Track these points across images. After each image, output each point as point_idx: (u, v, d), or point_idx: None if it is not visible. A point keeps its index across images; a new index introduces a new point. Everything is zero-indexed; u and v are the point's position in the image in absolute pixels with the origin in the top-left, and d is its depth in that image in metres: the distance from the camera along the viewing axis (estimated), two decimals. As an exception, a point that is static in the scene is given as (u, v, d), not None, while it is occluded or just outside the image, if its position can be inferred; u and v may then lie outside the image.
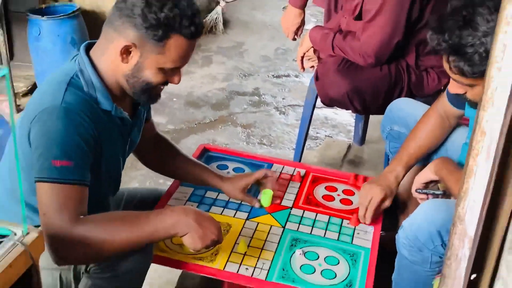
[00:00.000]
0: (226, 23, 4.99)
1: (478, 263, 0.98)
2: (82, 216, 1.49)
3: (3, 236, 1.25)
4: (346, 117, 3.66)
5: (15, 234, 1.25)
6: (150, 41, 1.53)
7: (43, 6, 3.76)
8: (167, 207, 1.88)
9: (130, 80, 1.60)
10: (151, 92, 1.66)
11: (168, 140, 2.11)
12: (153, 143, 2.02)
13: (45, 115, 1.50)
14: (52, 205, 1.47)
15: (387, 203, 1.94)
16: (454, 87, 1.65)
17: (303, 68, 2.65)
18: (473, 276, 1.00)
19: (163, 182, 2.16)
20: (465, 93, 1.63)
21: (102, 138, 1.60)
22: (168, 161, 2.07)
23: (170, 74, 1.63)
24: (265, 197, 2.08)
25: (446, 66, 1.60)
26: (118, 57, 1.56)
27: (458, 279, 1.27)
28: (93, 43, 1.67)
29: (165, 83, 1.65)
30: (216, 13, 4.93)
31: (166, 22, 1.51)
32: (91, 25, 3.71)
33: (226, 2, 5.24)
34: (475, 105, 1.67)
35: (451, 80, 1.65)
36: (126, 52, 1.55)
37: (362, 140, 3.19)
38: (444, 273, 1.42)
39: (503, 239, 0.93)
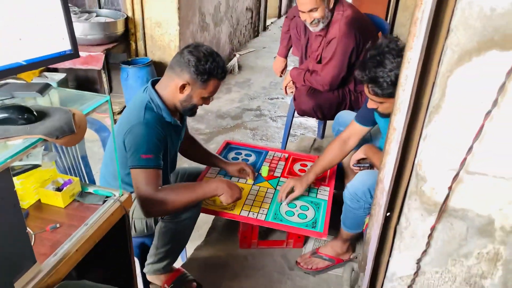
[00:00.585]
0: (240, 67, 4.95)
1: (391, 206, 0.96)
2: (160, 187, 1.52)
3: (108, 197, 1.25)
4: (312, 123, 3.62)
5: (115, 195, 1.25)
6: (198, 82, 1.54)
7: (130, 59, 3.74)
8: (210, 179, 1.83)
9: (183, 104, 1.60)
10: (194, 110, 1.66)
11: (195, 138, 2.07)
12: (187, 140, 1.99)
13: (134, 128, 1.51)
14: (142, 181, 1.50)
15: (295, 193, 1.89)
16: (371, 104, 1.62)
17: (286, 93, 2.62)
18: (388, 213, 0.98)
19: (198, 165, 2.14)
20: (377, 108, 1.61)
21: (167, 137, 1.61)
22: (194, 151, 2.06)
23: (206, 99, 1.63)
24: (264, 170, 2.07)
25: (366, 90, 1.58)
26: (177, 90, 1.56)
27: (378, 216, 1.26)
28: (156, 80, 1.66)
29: (202, 104, 1.64)
30: (234, 61, 4.90)
31: (209, 71, 1.52)
32: (157, 70, 3.69)
33: (240, 54, 5.21)
34: (383, 115, 1.66)
35: (369, 100, 1.62)
36: (182, 87, 1.55)
37: (322, 136, 3.16)
38: (372, 213, 1.41)
39: (406, 190, 0.92)
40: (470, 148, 0.79)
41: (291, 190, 1.90)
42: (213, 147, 3.17)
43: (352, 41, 2.11)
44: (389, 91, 1.46)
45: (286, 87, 2.59)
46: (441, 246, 0.93)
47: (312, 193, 1.99)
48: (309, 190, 2.00)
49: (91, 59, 3.32)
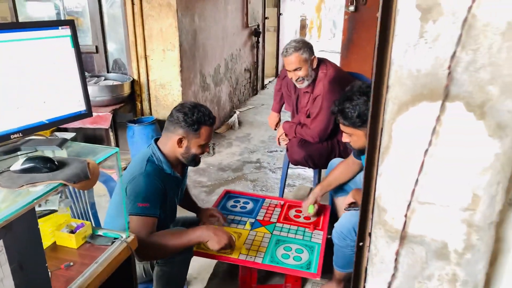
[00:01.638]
0: (240, 123, 5.21)
1: (363, 236, 1.11)
2: (151, 233, 1.66)
3: (116, 238, 1.40)
4: (310, 173, 3.78)
5: (122, 237, 1.41)
6: (191, 133, 1.74)
7: (135, 118, 3.99)
8: (197, 227, 1.87)
9: (184, 155, 1.80)
10: (196, 160, 1.84)
11: (188, 191, 2.23)
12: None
13: (135, 178, 1.69)
14: (136, 227, 1.62)
15: (305, 202, 2.20)
16: (344, 137, 1.85)
17: (279, 144, 2.82)
18: (361, 243, 1.12)
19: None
20: (350, 142, 1.82)
21: (167, 189, 1.77)
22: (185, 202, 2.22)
23: (204, 147, 1.82)
24: (310, 208, 2.23)
25: (341, 126, 1.80)
26: (175, 145, 1.77)
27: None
28: (158, 138, 1.87)
29: (202, 152, 1.83)
30: (234, 117, 5.15)
31: (197, 120, 1.73)
32: (162, 127, 3.90)
33: (240, 111, 5.49)
34: (356, 152, 1.87)
35: (343, 133, 1.84)
36: (179, 141, 1.76)
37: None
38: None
39: (372, 220, 1.07)
40: (417, 181, 0.95)
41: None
42: (214, 198, 3.31)
43: (336, 97, 2.34)
44: (353, 121, 1.69)
45: (279, 139, 2.79)
46: (407, 270, 1.06)
47: (307, 237, 2.12)
48: (304, 234, 2.14)
49: (100, 119, 3.56)
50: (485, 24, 0.82)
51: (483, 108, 0.87)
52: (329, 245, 2.07)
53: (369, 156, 1.03)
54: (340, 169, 2.16)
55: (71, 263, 1.28)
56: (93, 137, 4.24)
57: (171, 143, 1.78)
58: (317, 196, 2.16)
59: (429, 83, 0.89)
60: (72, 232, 1.36)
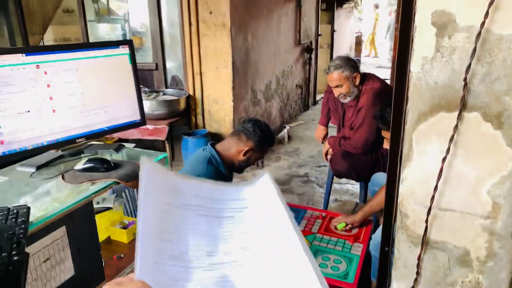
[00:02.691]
0: (289, 137, 5.30)
1: (387, 241, 1.16)
2: None
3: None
4: (358, 189, 3.77)
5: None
6: (258, 148, 1.92)
7: (190, 131, 4.21)
8: None
9: (241, 163, 1.96)
10: (245, 169, 2.01)
11: None
12: None
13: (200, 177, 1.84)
14: None
15: (343, 218, 2.23)
16: (385, 143, 1.90)
17: (326, 159, 2.87)
18: (386, 248, 1.17)
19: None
20: None
21: None
22: None
23: (257, 161, 2.10)
24: (340, 225, 2.27)
25: (383, 133, 1.86)
26: (240, 153, 1.93)
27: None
28: (214, 143, 2.02)
29: (252, 164, 2.03)
30: (284, 132, 5.25)
31: (268, 141, 1.92)
32: (214, 140, 4.08)
33: (290, 126, 5.58)
34: None
35: (385, 139, 1.88)
36: (246, 152, 1.92)
37: (364, 199, 3.30)
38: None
39: (394, 225, 1.11)
40: (436, 187, 1.00)
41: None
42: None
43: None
44: None
45: (326, 154, 2.84)
46: (429, 275, 1.10)
47: (346, 248, 2.15)
48: (343, 245, 2.16)
49: (157, 131, 3.81)
50: (499, 38, 0.87)
51: (500, 118, 0.91)
52: (368, 258, 2.08)
53: (391, 163, 1.08)
54: (383, 194, 2.16)
55: (122, 255, 1.42)
56: (151, 148, 4.43)
57: (237, 150, 1.94)
58: (355, 222, 2.19)
59: (446, 94, 0.94)
60: (124, 228, 1.52)
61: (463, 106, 0.92)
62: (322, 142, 3.11)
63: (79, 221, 1.13)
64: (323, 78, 7.48)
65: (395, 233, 1.12)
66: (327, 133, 3.08)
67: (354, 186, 3.85)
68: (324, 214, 2.50)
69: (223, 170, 1.94)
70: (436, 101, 0.95)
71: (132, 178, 1.28)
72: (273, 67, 5.14)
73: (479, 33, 0.87)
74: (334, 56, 7.24)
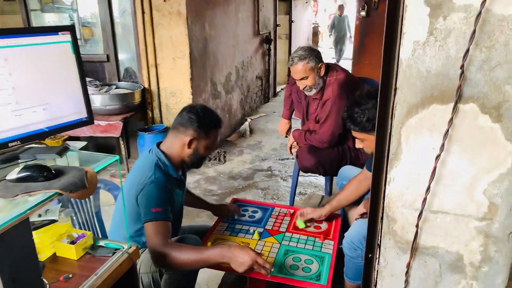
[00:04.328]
0: (251, 130, 5.17)
1: (371, 247, 1.04)
2: (168, 240, 1.57)
3: (117, 249, 1.36)
4: (323, 181, 3.71)
5: (123, 248, 1.36)
6: (202, 135, 1.73)
7: (146, 126, 3.98)
8: (219, 246, 1.74)
9: (191, 157, 1.79)
10: (201, 162, 1.84)
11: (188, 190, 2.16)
12: None
13: (146, 187, 1.66)
14: (151, 233, 1.57)
15: (312, 214, 2.09)
16: (357, 143, 1.79)
17: (291, 153, 2.76)
18: (369, 255, 1.06)
19: (204, 222, 2.25)
20: (363, 147, 1.76)
21: (172, 191, 1.74)
22: (188, 198, 2.14)
23: (210, 149, 1.82)
24: (300, 223, 2.16)
25: (353, 133, 1.76)
26: (184, 146, 1.75)
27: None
28: (160, 142, 1.85)
29: (207, 155, 1.84)
30: (245, 125, 5.11)
31: (209, 123, 1.72)
32: (172, 135, 3.88)
33: (251, 119, 5.45)
34: (370, 157, 1.80)
35: (356, 139, 1.79)
36: (190, 143, 1.74)
37: (330, 192, 3.24)
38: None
39: (381, 231, 1.00)
40: (428, 189, 0.89)
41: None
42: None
43: (345, 102, 2.28)
44: (363, 126, 1.64)
45: (290, 147, 2.73)
46: (419, 284, 1.00)
47: (317, 247, 2.05)
48: (314, 244, 2.06)
49: (110, 128, 3.56)
50: (501, 19, 0.76)
51: (499, 110, 0.81)
52: (339, 255, 1.99)
53: (377, 163, 0.97)
54: (350, 188, 2.06)
55: (70, 275, 1.23)
56: (104, 146, 4.24)
57: (180, 144, 1.76)
58: (322, 216, 2.09)
59: (440, 84, 0.83)
60: (73, 242, 1.32)
61: (459, 97, 0.82)
62: (286, 136, 3.00)
63: (13, 243, 0.94)
64: (283, 69, 7.42)
65: (381, 239, 1.01)
66: (290, 127, 2.97)
67: (317, 179, 3.79)
68: (292, 211, 2.38)
69: (173, 174, 1.77)
70: (429, 91, 0.84)
71: (78, 187, 1.09)
72: (233, 58, 4.97)
73: (479, 14, 0.76)
74: (293, 47, 7.16)
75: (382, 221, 0.99)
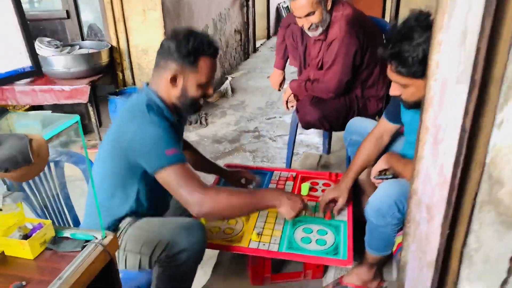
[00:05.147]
0: (233, 89, 4.78)
1: (453, 221, 0.73)
2: (208, 185, 1.32)
3: (88, 241, 1.01)
4: (315, 140, 3.40)
5: (96, 238, 1.01)
6: (187, 67, 1.32)
7: (117, 90, 3.54)
8: (268, 189, 1.60)
9: (181, 100, 1.39)
10: (196, 106, 1.45)
11: (195, 147, 1.88)
12: (188, 149, 1.83)
13: (142, 131, 1.30)
14: (181, 180, 1.28)
15: (340, 202, 1.70)
16: (393, 89, 1.42)
17: (287, 108, 2.41)
18: (448, 231, 0.75)
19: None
20: (401, 95, 1.41)
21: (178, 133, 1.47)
22: (196, 160, 1.82)
23: (206, 87, 1.41)
24: (304, 188, 1.88)
25: (388, 71, 1.39)
26: (168, 85, 1.35)
27: (415, 236, 1.03)
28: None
29: (203, 96, 1.42)
30: (226, 84, 4.72)
31: (194, 49, 1.29)
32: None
33: (232, 77, 5.04)
34: (408, 105, 1.45)
35: (392, 83, 1.42)
36: (173, 80, 1.34)
37: (328, 151, 2.94)
38: (406, 232, 1.18)
39: (474, 200, 0.68)
40: None
41: (332, 203, 1.72)
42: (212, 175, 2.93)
43: (355, 41, 1.92)
44: (415, 69, 1.27)
45: (287, 101, 2.38)
46: (527, 271, 0.69)
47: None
48: (325, 211, 1.76)
49: (76, 93, 3.11)
50: None
51: None
52: (355, 221, 1.70)
53: (479, 96, 0.63)
54: (366, 150, 1.71)
55: (24, 283, 0.88)
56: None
57: (164, 83, 1.37)
58: (349, 187, 1.72)
59: None
60: (26, 237, 0.96)
61: None
62: (279, 90, 2.64)
63: None
64: (262, 23, 6.93)
65: (473, 212, 0.69)
66: (284, 78, 2.60)
67: (308, 136, 3.48)
68: (294, 173, 2.07)
69: (169, 117, 1.39)
70: None
71: (19, 163, 0.72)
72: (208, 9, 4.49)
73: None
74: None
75: (479, 185, 0.66)
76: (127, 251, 1.38)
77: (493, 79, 0.63)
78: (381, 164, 1.60)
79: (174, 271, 1.30)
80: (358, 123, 1.93)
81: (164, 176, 1.28)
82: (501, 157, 0.63)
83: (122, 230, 1.40)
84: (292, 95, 2.29)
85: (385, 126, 1.69)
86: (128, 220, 1.42)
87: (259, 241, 1.58)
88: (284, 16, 5.87)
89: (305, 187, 1.88)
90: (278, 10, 7.57)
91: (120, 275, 1.10)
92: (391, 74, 1.37)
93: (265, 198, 1.40)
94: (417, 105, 1.40)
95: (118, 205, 1.40)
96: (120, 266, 1.38)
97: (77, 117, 0.92)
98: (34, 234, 0.97)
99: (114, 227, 1.41)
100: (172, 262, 1.29)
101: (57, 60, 3.09)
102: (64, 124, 0.86)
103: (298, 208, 1.43)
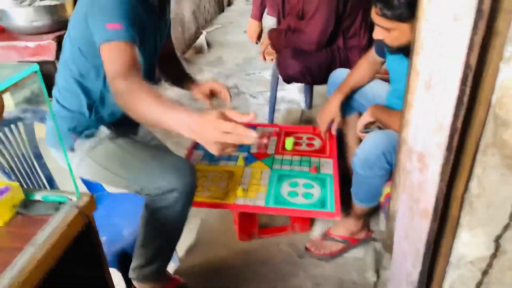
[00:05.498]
0: (209, 44, 4.61)
1: (455, 167, 0.69)
2: (135, 73, 1.08)
3: (62, 202, 0.94)
4: (295, 95, 3.33)
5: (71, 200, 0.95)
6: None
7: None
8: (188, 111, 0.98)
9: None
10: None
11: (176, 54, 1.62)
12: (165, 54, 1.54)
13: None
14: (110, 60, 1.10)
15: (336, 121, 1.75)
16: (377, 33, 1.37)
17: (265, 59, 2.31)
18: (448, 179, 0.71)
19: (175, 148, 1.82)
20: (385, 39, 1.36)
21: (141, 15, 1.20)
22: (170, 67, 1.59)
23: None
24: (289, 142, 1.82)
25: (373, 14, 1.34)
26: None
27: (405, 185, 1.01)
28: None
29: None
30: (202, 39, 4.55)
31: None
32: None
33: (207, 32, 4.85)
34: (392, 50, 1.41)
35: (375, 27, 1.37)
36: None
37: (310, 105, 2.89)
38: (395, 182, 1.16)
39: (478, 142, 0.64)
40: None
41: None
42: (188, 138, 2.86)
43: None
44: (400, 12, 1.23)
45: (264, 53, 2.28)
46: (530, 216, 0.67)
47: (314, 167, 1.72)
48: (310, 164, 1.74)
49: (42, 49, 2.91)
50: None
51: None
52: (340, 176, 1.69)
53: (488, 28, 0.57)
54: (363, 67, 1.70)
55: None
56: (39, 74, 3.59)
57: None
58: (338, 104, 1.72)
59: None
60: (-9, 201, 0.89)
61: None
62: (257, 43, 2.53)
63: None
64: (236, -26, 6.60)
65: (476, 155, 0.65)
66: (261, 30, 2.49)
67: (288, 92, 3.41)
68: (277, 129, 2.02)
69: None
70: None
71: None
72: (180, -42, 4.23)
73: None
74: None
75: (483, 127, 0.62)
76: (101, 166, 1.29)
77: (502, 9, 0.57)
78: (366, 117, 1.56)
79: (163, 214, 1.23)
80: (341, 74, 1.86)
81: (102, 53, 1.12)
82: (509, 96, 0.58)
83: (98, 140, 1.31)
84: (270, 46, 2.19)
85: (374, 57, 1.67)
86: (105, 131, 1.32)
87: (245, 197, 1.54)
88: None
89: (289, 142, 1.83)
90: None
91: (102, 238, 1.04)
92: (375, 16, 1.32)
93: (174, 127, 0.98)
94: (401, 50, 1.37)
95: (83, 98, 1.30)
96: (79, 173, 1.32)
97: (36, 66, 0.82)
98: (0, 198, 0.89)
99: (84, 129, 1.33)
100: (161, 201, 1.20)
101: (17, 13, 2.87)
102: (20, 74, 0.76)
103: (217, 147, 0.93)
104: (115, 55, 1.09)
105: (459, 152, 0.67)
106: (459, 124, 0.65)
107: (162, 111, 0.99)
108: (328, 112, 1.73)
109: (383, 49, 1.56)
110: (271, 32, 2.16)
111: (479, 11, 0.59)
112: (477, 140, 0.63)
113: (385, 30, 1.31)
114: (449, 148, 0.69)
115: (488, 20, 0.58)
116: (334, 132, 1.76)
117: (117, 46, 1.09)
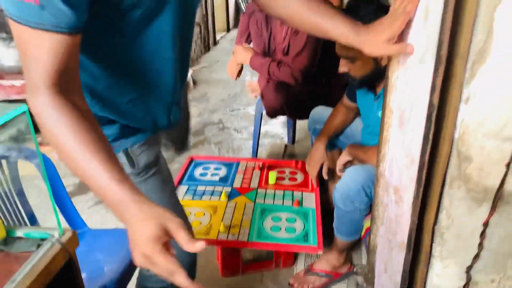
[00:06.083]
0: (195, 82, 4.70)
1: (424, 198, 0.72)
2: (58, 87, 0.72)
3: (45, 239, 0.94)
4: (279, 130, 3.40)
5: (53, 236, 0.95)
6: None
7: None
8: (133, 193, 0.69)
9: None
10: None
11: None
12: None
13: None
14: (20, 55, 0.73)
15: (325, 165, 1.78)
16: (342, 66, 1.45)
17: (236, 78, 2.31)
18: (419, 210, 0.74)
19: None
20: (349, 71, 1.43)
21: None
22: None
23: None
24: (272, 176, 1.88)
25: (337, 47, 1.40)
26: None
27: (383, 219, 1.03)
28: None
29: None
30: (188, 77, 4.63)
31: None
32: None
33: (193, 70, 4.96)
34: (357, 83, 1.47)
35: (340, 61, 1.45)
36: None
37: (293, 141, 2.93)
38: (374, 215, 1.18)
39: (444, 176, 0.68)
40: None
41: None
42: (177, 167, 2.86)
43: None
44: None
45: (249, 88, 2.33)
46: (497, 246, 0.70)
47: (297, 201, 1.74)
48: (293, 199, 1.76)
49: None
50: None
51: None
52: (322, 209, 1.71)
53: (445, 71, 0.62)
54: (341, 113, 1.77)
55: (-28, 289, 0.81)
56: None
57: None
58: (324, 149, 1.77)
59: None
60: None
61: None
62: (236, 79, 2.52)
63: None
64: (221, 15, 6.83)
65: (444, 189, 0.68)
66: (242, 68, 2.53)
67: (272, 126, 3.47)
68: (260, 163, 2.05)
69: None
70: None
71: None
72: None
73: None
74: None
75: (448, 162, 0.66)
76: None
77: (459, 55, 0.62)
78: (344, 157, 1.61)
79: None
80: (322, 112, 1.92)
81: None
82: (469, 133, 0.63)
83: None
84: (256, 84, 2.25)
85: (347, 103, 1.74)
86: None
87: (228, 233, 1.55)
88: (244, 7, 5.80)
89: (272, 176, 1.86)
90: (237, 2, 7.49)
91: (83, 275, 1.04)
92: (339, 49, 1.39)
93: (107, 201, 0.71)
94: (365, 82, 1.44)
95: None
96: None
97: (24, 107, 0.84)
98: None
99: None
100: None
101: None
102: (8, 115, 0.78)
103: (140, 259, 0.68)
104: (22, 49, 0.69)
105: (427, 185, 0.71)
106: (426, 159, 0.69)
107: (100, 188, 0.70)
108: (316, 159, 1.77)
109: (354, 92, 1.64)
110: (254, 58, 2.10)
111: (438, 56, 0.64)
112: (444, 174, 0.67)
113: (349, 62, 1.39)
114: (418, 181, 0.72)
115: (447, 64, 0.63)
116: (325, 176, 1.77)
117: (28, 34, 0.66)
